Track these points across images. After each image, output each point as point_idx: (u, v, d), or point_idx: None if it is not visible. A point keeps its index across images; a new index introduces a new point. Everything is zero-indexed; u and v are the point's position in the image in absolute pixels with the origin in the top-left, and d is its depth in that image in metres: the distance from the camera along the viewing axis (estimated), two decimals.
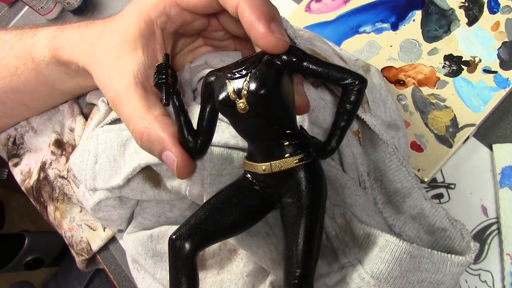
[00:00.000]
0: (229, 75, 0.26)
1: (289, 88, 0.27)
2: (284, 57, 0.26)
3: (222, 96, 0.26)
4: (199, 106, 0.30)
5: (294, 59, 0.26)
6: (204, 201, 0.33)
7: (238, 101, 0.25)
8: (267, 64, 0.26)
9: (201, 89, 0.29)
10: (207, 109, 0.29)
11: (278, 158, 0.26)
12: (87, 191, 0.39)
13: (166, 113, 0.31)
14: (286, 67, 0.26)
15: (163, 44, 0.34)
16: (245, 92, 0.25)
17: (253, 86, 0.25)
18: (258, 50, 0.28)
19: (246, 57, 0.27)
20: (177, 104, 0.29)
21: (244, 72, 0.26)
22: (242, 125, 0.28)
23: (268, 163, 0.26)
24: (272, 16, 0.26)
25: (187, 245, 0.28)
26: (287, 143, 0.26)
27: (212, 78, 0.28)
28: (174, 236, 0.29)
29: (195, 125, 0.30)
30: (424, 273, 0.28)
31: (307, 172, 0.26)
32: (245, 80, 0.25)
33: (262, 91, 0.25)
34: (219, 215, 0.28)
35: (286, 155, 0.26)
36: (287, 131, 0.26)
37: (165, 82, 0.28)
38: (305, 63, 0.26)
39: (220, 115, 0.30)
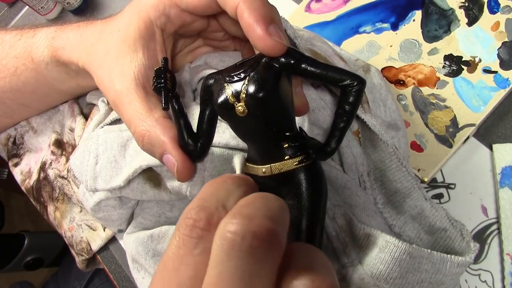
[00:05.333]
0: (227, 78, 0.26)
1: (288, 90, 0.27)
2: (282, 59, 0.26)
3: (221, 99, 0.26)
4: (199, 107, 0.30)
5: (292, 61, 0.26)
6: None
7: (237, 104, 0.25)
8: (266, 67, 0.26)
9: (200, 92, 0.29)
10: (207, 112, 0.29)
11: (278, 160, 0.26)
12: (87, 192, 0.39)
13: (167, 115, 0.31)
14: (285, 69, 0.26)
15: (163, 45, 0.34)
16: (244, 95, 0.25)
17: (251, 89, 0.25)
18: (257, 51, 0.28)
19: (245, 59, 0.27)
20: (176, 107, 0.29)
21: (242, 75, 0.25)
22: (241, 128, 0.28)
23: (268, 166, 0.26)
24: (270, 18, 0.26)
25: None
26: (286, 145, 0.26)
27: (211, 81, 0.28)
28: None
29: (195, 126, 0.30)
30: (424, 274, 0.28)
31: (307, 173, 0.26)
32: (244, 83, 0.25)
33: (260, 94, 0.25)
34: None
35: (286, 157, 0.26)
36: (287, 133, 0.26)
37: (164, 86, 0.28)
38: (303, 65, 0.26)
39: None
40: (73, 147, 0.51)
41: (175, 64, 0.41)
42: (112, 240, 0.50)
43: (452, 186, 0.41)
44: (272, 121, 0.26)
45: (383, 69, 0.46)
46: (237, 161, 0.27)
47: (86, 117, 0.51)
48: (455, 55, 0.43)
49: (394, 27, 0.47)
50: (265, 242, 0.16)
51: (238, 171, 0.27)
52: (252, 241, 0.16)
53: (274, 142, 0.26)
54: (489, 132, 0.41)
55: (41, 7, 0.68)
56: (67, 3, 0.68)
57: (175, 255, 0.18)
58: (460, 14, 0.44)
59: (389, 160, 0.34)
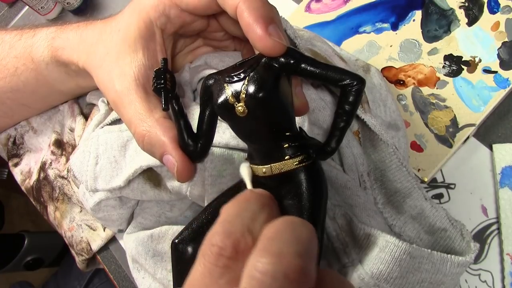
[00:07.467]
0: (227, 78, 0.26)
1: (288, 90, 0.27)
2: (282, 59, 0.26)
3: (220, 100, 0.26)
4: (199, 107, 0.30)
5: (292, 61, 0.26)
6: (205, 201, 0.33)
7: (236, 104, 0.25)
8: (265, 67, 0.26)
9: (200, 92, 0.29)
10: (207, 113, 0.29)
11: (278, 160, 0.26)
12: (87, 192, 0.39)
13: (167, 116, 0.31)
14: (284, 69, 0.26)
15: (163, 45, 0.34)
16: (244, 95, 0.25)
17: (251, 89, 0.25)
18: (257, 51, 0.28)
19: (244, 59, 0.27)
20: (176, 108, 0.29)
21: (242, 75, 0.25)
22: (241, 128, 0.28)
23: (268, 166, 0.26)
24: (270, 19, 0.26)
25: (189, 249, 0.28)
26: (286, 145, 0.26)
27: (210, 82, 0.28)
28: (176, 240, 0.29)
29: (195, 126, 0.30)
30: (424, 274, 0.28)
31: (307, 173, 0.26)
32: (244, 84, 0.25)
33: (260, 94, 0.25)
34: None
35: (286, 157, 0.26)
36: (287, 133, 0.26)
37: (163, 87, 0.29)
38: (303, 65, 0.26)
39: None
40: (73, 147, 0.51)
41: (175, 64, 0.41)
42: (112, 240, 0.50)
43: (452, 186, 0.41)
44: (272, 121, 0.26)
45: (383, 69, 0.46)
46: (244, 172, 0.27)
47: (86, 117, 0.51)
48: (455, 55, 0.43)
49: (394, 27, 0.47)
50: (296, 282, 0.16)
51: (249, 186, 0.26)
52: (283, 283, 0.15)
53: (274, 142, 0.26)
54: (489, 132, 0.41)
55: (41, 7, 0.68)
56: (67, 3, 0.68)
57: (200, 283, 0.17)
58: (460, 14, 0.44)
59: (389, 160, 0.34)
